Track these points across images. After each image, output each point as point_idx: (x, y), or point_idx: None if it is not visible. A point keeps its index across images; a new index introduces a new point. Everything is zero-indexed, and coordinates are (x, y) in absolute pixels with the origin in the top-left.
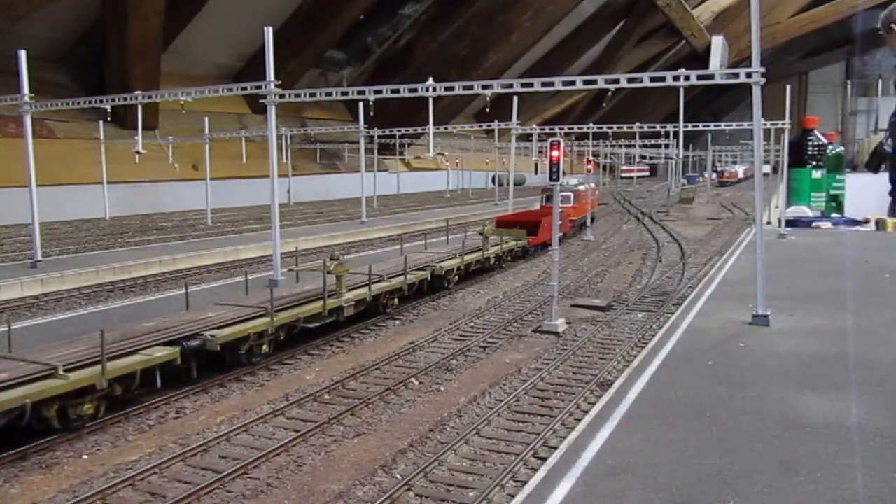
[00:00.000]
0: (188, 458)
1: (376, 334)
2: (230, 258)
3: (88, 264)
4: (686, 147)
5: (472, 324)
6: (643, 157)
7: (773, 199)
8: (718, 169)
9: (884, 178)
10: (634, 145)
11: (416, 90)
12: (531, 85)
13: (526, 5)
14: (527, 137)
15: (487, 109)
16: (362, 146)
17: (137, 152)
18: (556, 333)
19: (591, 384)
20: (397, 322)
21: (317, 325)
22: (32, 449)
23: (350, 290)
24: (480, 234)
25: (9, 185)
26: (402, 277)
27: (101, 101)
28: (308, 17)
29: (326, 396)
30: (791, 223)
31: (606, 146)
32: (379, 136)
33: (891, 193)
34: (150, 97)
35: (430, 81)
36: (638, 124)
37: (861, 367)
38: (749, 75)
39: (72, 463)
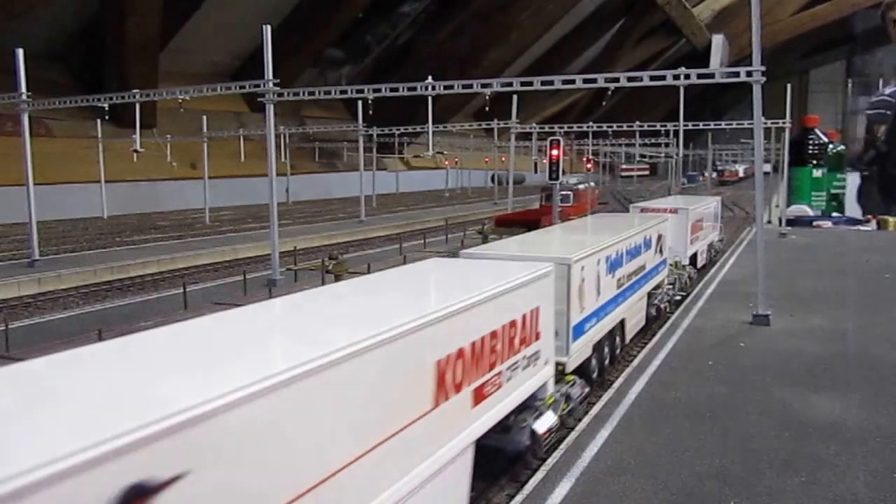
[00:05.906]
0: None
1: None
2: (228, 257)
3: (86, 263)
4: (686, 146)
5: None
6: (643, 156)
7: (774, 199)
8: (719, 168)
9: None
10: (634, 144)
11: (415, 89)
12: (531, 83)
13: (525, 4)
14: (526, 136)
15: (487, 108)
16: (361, 145)
17: (135, 151)
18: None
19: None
20: None
21: None
22: None
23: None
24: (480, 233)
25: (6, 184)
26: None
27: (99, 100)
28: (307, 16)
29: None
30: (792, 222)
31: (606, 145)
32: (378, 135)
33: (880, 191)
34: (147, 95)
35: (430, 80)
36: (638, 123)
37: (861, 367)
38: (749, 74)
39: None
